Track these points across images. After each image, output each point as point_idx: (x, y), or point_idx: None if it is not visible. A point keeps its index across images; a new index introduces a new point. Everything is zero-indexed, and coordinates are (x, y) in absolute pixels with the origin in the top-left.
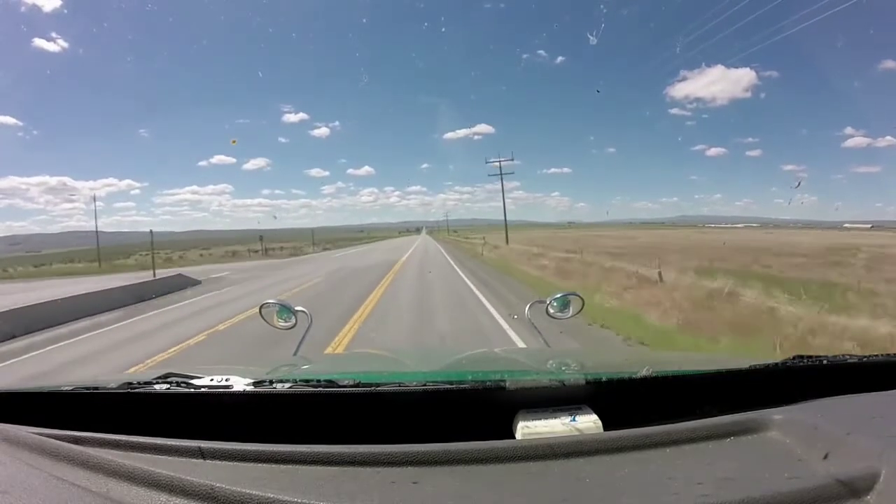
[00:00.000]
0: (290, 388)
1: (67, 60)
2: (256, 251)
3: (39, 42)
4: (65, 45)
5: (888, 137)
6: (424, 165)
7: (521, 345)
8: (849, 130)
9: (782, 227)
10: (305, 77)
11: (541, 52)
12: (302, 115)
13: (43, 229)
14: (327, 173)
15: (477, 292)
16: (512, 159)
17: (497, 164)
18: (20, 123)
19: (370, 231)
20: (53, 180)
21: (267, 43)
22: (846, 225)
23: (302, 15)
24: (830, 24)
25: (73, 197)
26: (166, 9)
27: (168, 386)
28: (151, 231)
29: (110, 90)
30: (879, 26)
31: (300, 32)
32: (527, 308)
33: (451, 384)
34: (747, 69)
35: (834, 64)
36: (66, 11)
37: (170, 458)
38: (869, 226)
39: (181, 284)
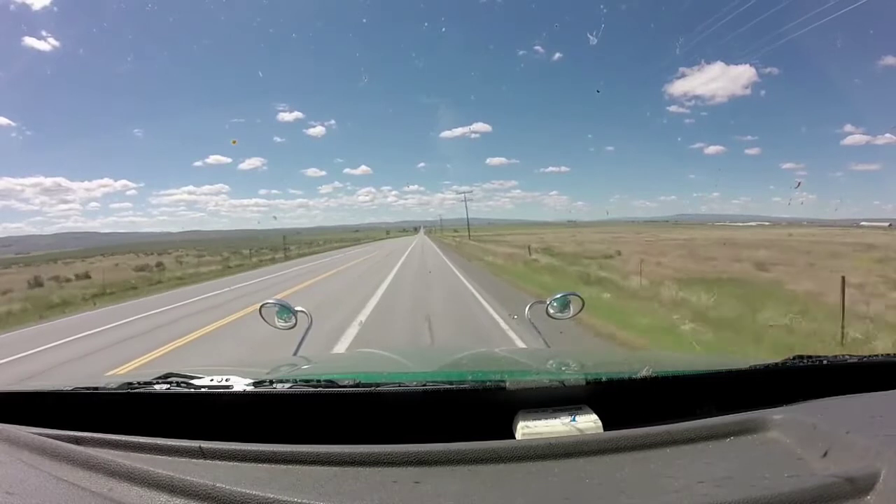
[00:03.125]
0: (291, 388)
1: (59, 59)
2: None
3: (30, 41)
4: (56, 43)
5: (887, 135)
6: (422, 164)
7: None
8: (848, 128)
9: (795, 226)
10: (299, 75)
11: (538, 48)
12: (297, 114)
13: (39, 231)
14: (324, 173)
15: None
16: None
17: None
18: (13, 124)
19: (365, 231)
20: (48, 181)
21: (260, 41)
22: (863, 223)
23: (295, 12)
24: (831, 20)
25: (68, 198)
26: (159, 7)
27: (168, 386)
28: None
29: (103, 89)
30: (880, 22)
31: (293, 30)
32: (527, 308)
33: (452, 384)
34: (747, 66)
35: (834, 60)
36: (55, 9)
37: (170, 458)
38: (887, 224)
39: None
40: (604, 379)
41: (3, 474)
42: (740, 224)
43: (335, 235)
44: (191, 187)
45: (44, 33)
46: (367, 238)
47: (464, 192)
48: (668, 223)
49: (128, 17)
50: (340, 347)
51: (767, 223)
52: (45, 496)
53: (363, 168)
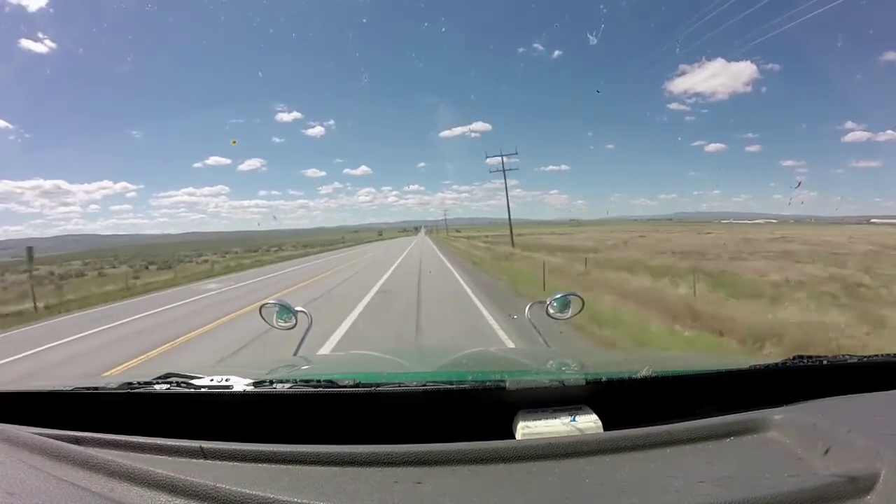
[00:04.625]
0: (291, 388)
1: (56, 61)
2: None
3: (27, 43)
4: (53, 45)
5: (888, 131)
6: (422, 164)
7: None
8: (849, 124)
9: (803, 224)
10: (298, 75)
11: (538, 46)
12: (295, 115)
13: (40, 233)
14: (324, 173)
15: None
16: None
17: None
18: (11, 126)
19: (365, 231)
20: (48, 183)
21: (260, 41)
22: (873, 220)
23: (295, 12)
24: (832, 17)
25: (68, 200)
26: (159, 7)
27: (168, 386)
28: None
29: (101, 91)
30: (881, 18)
31: (293, 30)
32: (527, 308)
33: (451, 384)
34: (748, 62)
35: (835, 56)
36: (52, 11)
37: (171, 458)
38: None
39: None
40: (604, 379)
41: (3, 474)
42: (748, 222)
43: (317, 239)
44: (191, 189)
45: (40, 35)
46: (352, 241)
47: (503, 158)
48: (670, 221)
49: (126, 18)
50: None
51: (775, 220)
52: (45, 496)
53: (363, 168)
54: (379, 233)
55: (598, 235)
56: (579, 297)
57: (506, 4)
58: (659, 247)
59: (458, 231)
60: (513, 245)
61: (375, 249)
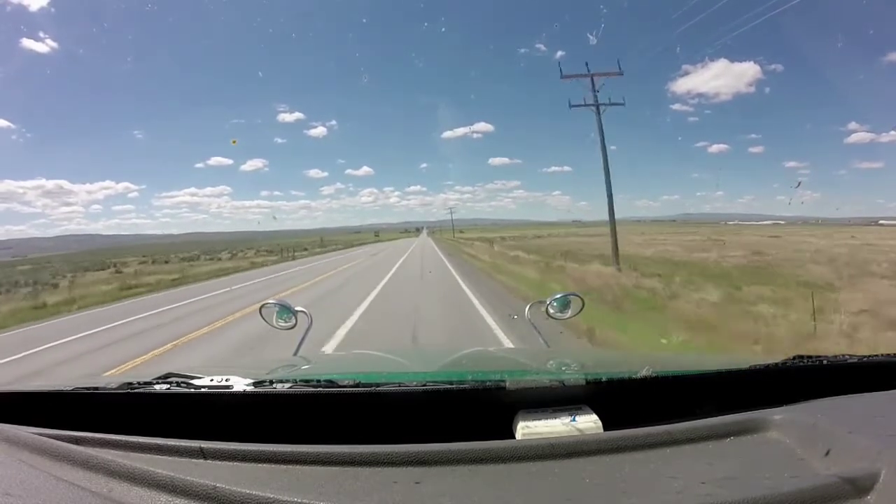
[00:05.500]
0: (291, 388)
1: (58, 61)
2: None
3: (28, 42)
4: (54, 45)
5: (892, 133)
6: (424, 165)
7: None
8: (853, 126)
9: (811, 225)
10: (299, 75)
11: (540, 46)
12: (297, 115)
13: (43, 233)
14: (326, 174)
15: None
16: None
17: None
18: (13, 126)
19: (365, 231)
20: (50, 183)
21: (260, 41)
22: (882, 222)
23: (295, 12)
24: (836, 16)
25: (70, 200)
26: (159, 7)
27: (168, 386)
28: None
29: (102, 91)
30: (885, 18)
31: (293, 30)
32: (527, 308)
33: (451, 384)
34: (751, 63)
35: (839, 57)
36: (53, 10)
37: (170, 458)
38: None
39: None
40: (604, 379)
41: (3, 474)
42: (754, 223)
43: (294, 241)
44: (193, 189)
45: (42, 35)
46: (342, 243)
47: (592, 79)
48: (674, 223)
49: (127, 18)
50: None
51: (782, 222)
52: (44, 496)
53: (365, 169)
54: (375, 234)
55: (641, 238)
56: (579, 296)
57: (506, 4)
58: (795, 261)
59: (461, 232)
60: (618, 262)
61: (357, 258)
